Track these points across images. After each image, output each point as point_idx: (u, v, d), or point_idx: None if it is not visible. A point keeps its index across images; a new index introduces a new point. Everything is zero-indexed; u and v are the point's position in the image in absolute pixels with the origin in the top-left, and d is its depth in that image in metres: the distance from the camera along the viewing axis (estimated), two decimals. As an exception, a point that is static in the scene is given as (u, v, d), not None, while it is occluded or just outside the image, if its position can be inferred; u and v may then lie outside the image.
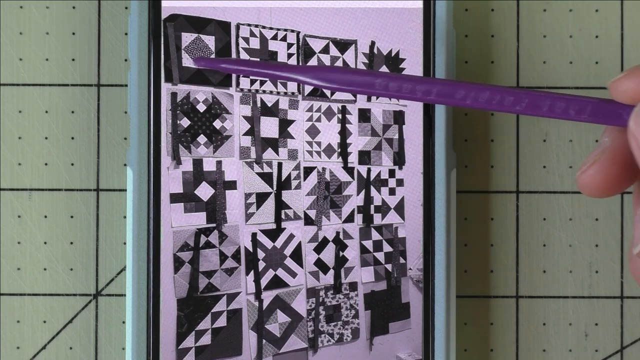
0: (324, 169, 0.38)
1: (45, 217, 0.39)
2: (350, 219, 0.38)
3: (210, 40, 0.37)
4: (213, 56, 0.37)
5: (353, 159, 0.38)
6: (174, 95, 0.37)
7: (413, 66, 0.37)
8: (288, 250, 0.38)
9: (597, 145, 0.31)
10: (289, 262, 0.38)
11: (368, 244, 0.38)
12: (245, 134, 0.37)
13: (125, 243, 0.39)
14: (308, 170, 0.38)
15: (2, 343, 0.39)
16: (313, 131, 0.38)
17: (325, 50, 0.38)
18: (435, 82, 0.32)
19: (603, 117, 0.31)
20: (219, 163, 0.37)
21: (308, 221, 0.38)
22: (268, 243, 0.37)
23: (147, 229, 0.36)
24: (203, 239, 0.37)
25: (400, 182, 0.38)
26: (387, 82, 0.32)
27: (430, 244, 0.37)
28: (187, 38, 0.37)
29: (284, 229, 0.38)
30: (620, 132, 0.31)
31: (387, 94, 0.32)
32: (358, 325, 0.38)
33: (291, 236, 0.38)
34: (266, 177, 0.37)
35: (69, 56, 0.40)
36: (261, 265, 0.37)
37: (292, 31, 0.37)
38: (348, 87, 0.32)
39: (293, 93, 0.38)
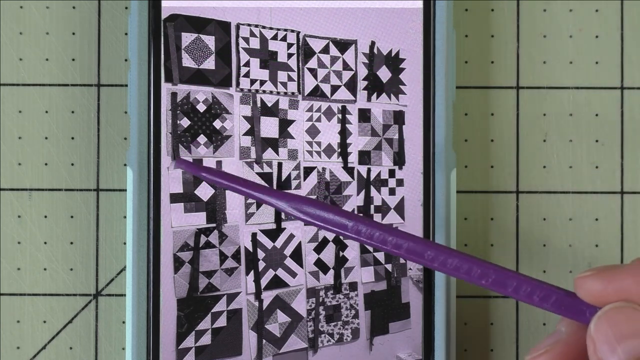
0: (324, 169, 0.38)
1: (45, 217, 0.39)
2: (350, 219, 0.38)
3: (210, 40, 0.37)
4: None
5: (353, 159, 0.38)
6: (174, 95, 0.37)
7: (413, 66, 0.37)
8: (288, 250, 0.38)
9: (552, 334, 0.31)
10: (289, 262, 0.37)
11: (368, 244, 0.38)
12: (245, 134, 0.37)
13: (125, 243, 0.39)
14: (308, 170, 0.38)
15: (2, 343, 0.39)
16: (313, 131, 0.38)
17: (325, 50, 0.38)
18: (407, 238, 0.31)
19: (566, 310, 0.30)
20: (219, 163, 0.37)
21: (308, 221, 0.38)
22: (268, 243, 0.37)
23: (147, 229, 0.36)
24: (203, 239, 0.37)
25: (400, 182, 0.38)
26: (359, 228, 0.31)
27: (430, 244, 0.37)
28: (187, 38, 0.37)
29: (284, 229, 0.38)
30: (578, 328, 0.30)
31: (358, 239, 0.32)
32: (358, 325, 0.38)
33: (291, 236, 0.38)
34: (266, 177, 0.37)
35: (69, 56, 0.40)
36: (261, 265, 0.37)
37: (292, 31, 0.37)
38: (320, 223, 0.32)
39: (293, 93, 0.38)
